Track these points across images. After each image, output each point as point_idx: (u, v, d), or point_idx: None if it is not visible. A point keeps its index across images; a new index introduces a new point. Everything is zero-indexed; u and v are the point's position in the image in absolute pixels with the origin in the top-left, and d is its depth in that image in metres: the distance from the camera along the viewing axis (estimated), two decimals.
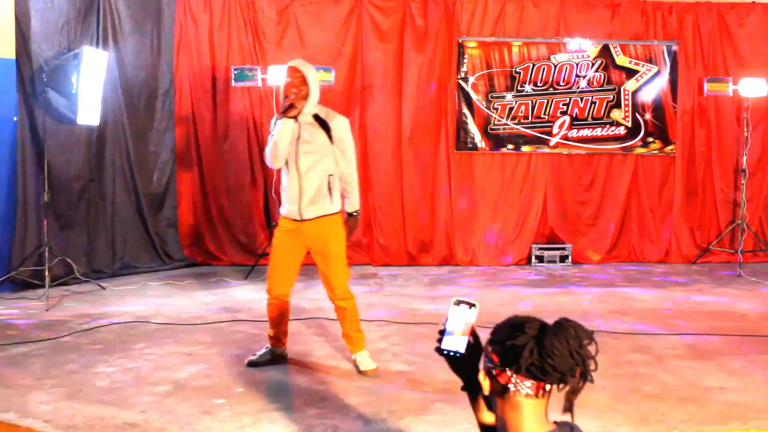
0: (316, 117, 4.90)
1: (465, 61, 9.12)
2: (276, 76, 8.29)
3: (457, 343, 2.34)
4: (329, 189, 4.94)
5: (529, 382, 2.04)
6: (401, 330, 6.11)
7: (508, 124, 9.15)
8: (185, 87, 9.15)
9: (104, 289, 7.64)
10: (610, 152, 9.41)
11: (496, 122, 9.17)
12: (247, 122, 9.22)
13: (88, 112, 7.51)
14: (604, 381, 4.74)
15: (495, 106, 9.15)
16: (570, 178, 9.46)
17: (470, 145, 9.19)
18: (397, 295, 7.55)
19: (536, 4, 9.22)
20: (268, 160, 4.98)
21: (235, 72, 8.60)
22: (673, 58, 9.31)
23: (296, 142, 4.86)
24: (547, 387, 2.05)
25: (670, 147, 9.39)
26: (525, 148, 9.27)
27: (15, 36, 7.51)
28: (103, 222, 8.38)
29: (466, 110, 9.14)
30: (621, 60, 9.27)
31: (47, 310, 6.73)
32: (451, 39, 9.10)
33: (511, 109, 9.17)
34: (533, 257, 9.22)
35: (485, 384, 2.15)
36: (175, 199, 9.19)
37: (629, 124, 9.31)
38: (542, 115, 9.21)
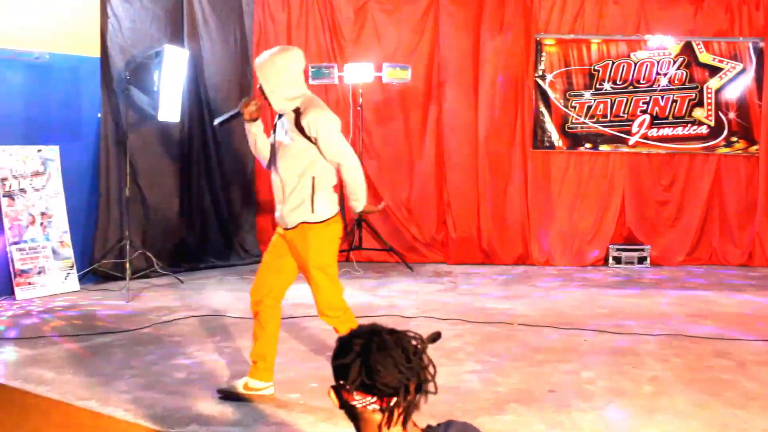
0: (296, 111, 4.27)
1: (542, 58, 9.01)
2: (353, 73, 8.35)
3: None
4: (312, 192, 4.29)
5: (371, 398, 1.97)
6: (475, 329, 6.07)
7: (586, 123, 9.02)
8: None
9: (182, 282, 7.78)
10: (691, 152, 9.18)
11: (573, 121, 9.04)
12: None
13: (169, 109, 7.67)
14: (682, 386, 4.64)
15: (573, 104, 9.02)
16: (649, 178, 9.26)
17: (547, 144, 9.09)
18: (471, 293, 7.51)
19: (616, 1, 9.05)
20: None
21: (312, 70, 8.68)
22: (759, 55, 9.04)
23: (274, 140, 4.41)
24: (394, 400, 1.96)
25: (755, 147, 9.11)
26: (603, 147, 9.12)
27: (100, 35, 7.73)
28: (183, 216, 8.53)
29: (543, 108, 9.04)
30: (704, 57, 9.04)
31: (128, 302, 6.89)
32: (529, 36, 9.00)
33: (589, 107, 9.03)
34: (610, 258, 9.07)
35: (334, 401, 2.08)
36: (255, 196, 9.33)
37: (712, 123, 9.08)
38: (621, 114, 9.05)
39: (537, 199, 9.12)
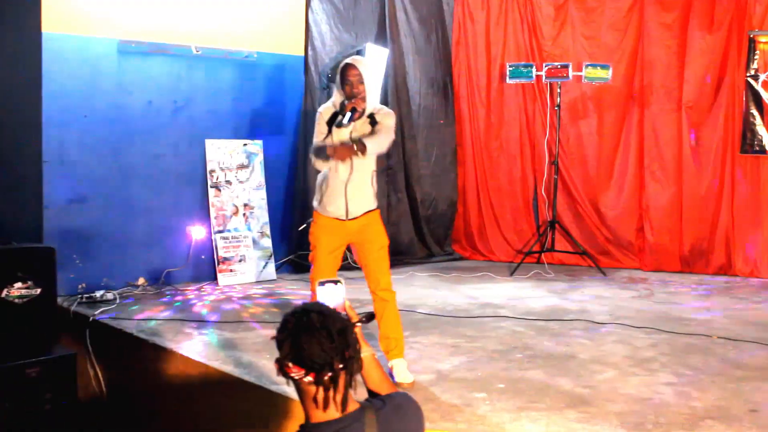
0: (371, 117, 4.66)
1: (756, 57, 8.49)
2: (552, 72, 8.26)
3: None
4: (372, 186, 4.75)
5: (304, 372, 2.22)
6: (671, 339, 5.81)
7: None
8: (462, 84, 9.35)
9: None
10: None
11: None
12: (519, 120, 9.24)
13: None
14: None
15: None
16: None
17: (757, 148, 8.54)
18: (668, 302, 7.20)
19: None
20: (313, 163, 4.81)
21: (510, 69, 8.64)
22: None
23: (350, 134, 4.63)
24: (327, 375, 2.22)
25: None
26: None
27: (304, 35, 8.05)
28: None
29: (754, 110, 8.50)
30: None
31: None
32: (741, 33, 8.50)
33: None
34: None
35: (277, 372, 2.30)
36: (451, 194, 9.40)
37: None
38: None
39: (744, 207, 8.60)
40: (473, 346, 5.52)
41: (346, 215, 4.69)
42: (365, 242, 4.78)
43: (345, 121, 4.51)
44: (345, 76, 4.55)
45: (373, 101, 4.64)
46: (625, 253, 8.97)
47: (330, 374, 2.23)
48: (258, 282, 7.55)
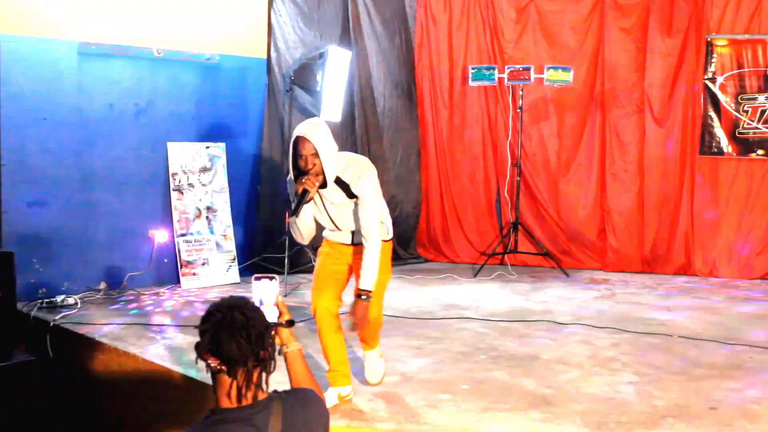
0: (338, 181, 4.18)
1: (713, 60, 8.62)
2: (513, 75, 8.32)
3: (269, 313, 2.71)
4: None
5: (220, 363, 2.35)
6: (632, 339, 5.88)
7: (759, 128, 8.55)
8: (425, 86, 9.37)
9: None
10: None
11: (745, 126, 8.60)
12: (482, 122, 9.28)
13: (331, 109, 7.85)
14: None
15: (745, 108, 8.58)
16: None
17: (715, 150, 8.67)
18: (629, 302, 7.28)
19: None
20: (295, 237, 4.38)
21: (473, 71, 8.67)
22: None
23: (324, 210, 4.32)
24: (241, 370, 2.35)
25: None
26: None
27: (267, 38, 8.03)
28: None
29: (712, 113, 8.63)
30: None
31: (285, 296, 7.09)
32: (699, 37, 8.62)
33: (763, 111, 8.55)
34: None
35: (196, 358, 2.41)
36: (416, 196, 9.41)
37: None
38: None
39: (703, 208, 8.72)
40: (437, 348, 5.54)
41: (352, 241, 4.41)
42: (354, 269, 4.47)
43: (297, 208, 4.10)
44: (297, 149, 4.09)
45: (333, 166, 4.13)
46: (587, 254, 9.06)
47: (243, 369, 2.36)
48: (221, 285, 7.51)
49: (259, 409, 2.40)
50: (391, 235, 4.50)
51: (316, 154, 4.04)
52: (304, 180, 4.07)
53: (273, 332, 2.52)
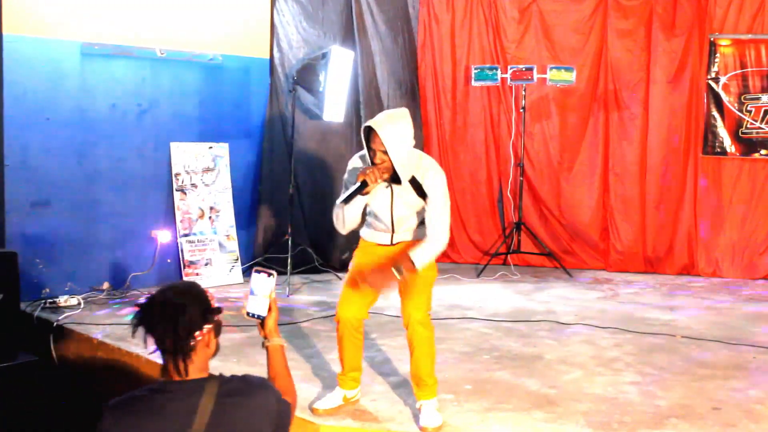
0: (413, 181, 4.01)
1: (716, 60, 8.61)
2: (516, 75, 8.31)
3: (260, 306, 2.85)
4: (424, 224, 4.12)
5: (153, 340, 2.51)
6: (635, 339, 5.88)
7: (762, 128, 8.53)
8: (428, 86, 9.36)
9: (341, 279, 7.93)
10: None
11: (748, 126, 8.58)
12: (484, 122, 9.27)
13: (334, 109, 7.85)
14: None
15: (748, 108, 8.57)
16: None
17: (718, 150, 8.66)
18: (632, 302, 7.28)
19: None
20: (335, 223, 4.20)
21: (476, 71, 8.67)
22: None
23: (390, 205, 4.09)
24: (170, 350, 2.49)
25: None
26: None
27: (269, 38, 8.03)
28: None
29: (715, 112, 8.62)
30: None
31: (288, 296, 7.10)
32: (702, 37, 8.62)
33: (766, 111, 8.53)
34: None
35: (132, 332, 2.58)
36: None
37: None
38: None
39: (706, 208, 8.71)
40: (440, 348, 5.50)
41: (391, 242, 4.21)
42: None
43: (350, 196, 3.95)
44: (368, 141, 3.94)
45: (405, 165, 3.93)
46: (590, 254, 9.05)
47: (172, 347, 2.49)
48: (224, 285, 7.51)
49: (192, 385, 2.48)
50: None
51: (385, 152, 3.87)
52: (367, 171, 3.91)
53: (215, 319, 2.60)
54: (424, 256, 4.01)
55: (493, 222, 9.33)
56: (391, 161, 3.88)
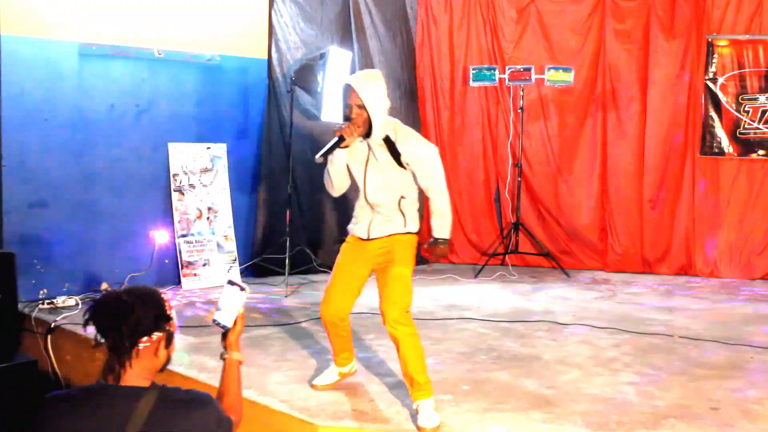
0: (387, 140, 4.17)
1: (714, 60, 8.62)
2: (514, 75, 8.31)
3: (227, 317, 2.91)
4: (401, 212, 4.30)
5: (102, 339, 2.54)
6: (633, 339, 5.88)
7: (760, 128, 8.54)
8: (426, 86, 9.36)
9: None
10: None
11: (746, 126, 8.59)
12: (482, 122, 9.27)
13: (332, 110, 7.84)
14: None
15: (746, 108, 8.58)
16: None
17: (716, 150, 8.67)
18: (630, 303, 7.28)
19: None
20: (326, 185, 4.40)
21: (474, 71, 8.68)
22: None
23: (365, 163, 4.26)
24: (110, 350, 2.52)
25: None
26: None
27: (267, 38, 8.03)
28: (339, 215, 8.69)
29: (713, 113, 8.63)
30: None
31: (286, 297, 7.09)
32: (700, 38, 8.62)
33: (764, 112, 8.55)
34: None
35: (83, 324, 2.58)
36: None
37: None
38: None
39: (704, 208, 8.72)
40: (438, 348, 5.53)
41: (368, 235, 4.32)
42: (383, 268, 4.30)
43: (327, 151, 4.15)
44: (344, 97, 4.15)
45: (381, 121, 4.13)
46: (588, 254, 9.05)
47: (114, 349, 2.52)
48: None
49: (129, 393, 2.47)
50: (418, 227, 4.40)
51: (362, 106, 4.08)
52: (344, 126, 4.11)
53: (167, 328, 2.63)
54: (441, 221, 4.33)
55: (491, 222, 9.33)
56: (367, 114, 4.08)
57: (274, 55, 8.06)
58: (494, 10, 9.14)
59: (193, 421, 2.49)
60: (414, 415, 4.12)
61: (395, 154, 4.20)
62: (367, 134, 4.18)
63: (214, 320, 2.92)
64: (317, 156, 4.20)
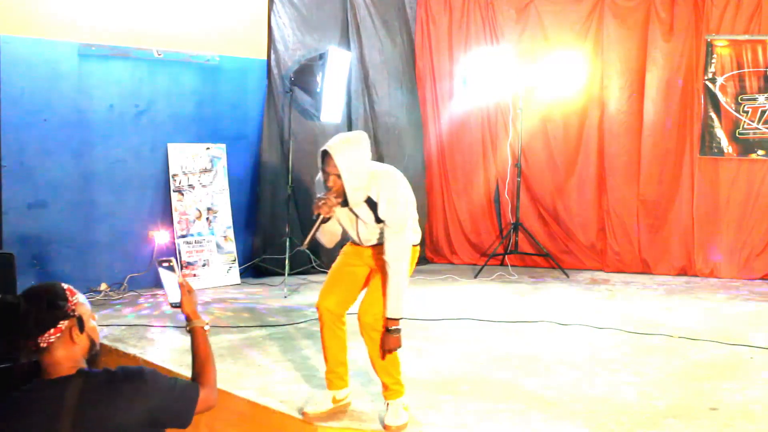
0: (368, 201, 3.99)
1: (713, 61, 8.62)
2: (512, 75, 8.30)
3: (175, 294, 2.88)
4: None
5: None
6: (632, 340, 5.88)
7: (759, 129, 8.54)
8: (426, 87, 9.36)
9: None
10: None
11: (745, 126, 8.59)
12: (480, 124, 9.26)
13: (331, 111, 7.84)
14: None
15: (745, 108, 8.58)
16: None
17: (716, 150, 8.67)
18: (630, 303, 7.28)
19: None
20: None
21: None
22: None
23: (355, 223, 4.12)
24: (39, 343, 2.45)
25: None
26: None
27: (267, 39, 8.03)
28: None
29: (712, 113, 8.63)
30: None
31: (286, 297, 7.09)
32: (699, 38, 8.62)
33: (763, 112, 8.55)
34: None
35: None
36: (422, 199, 9.36)
37: None
38: None
39: (703, 208, 8.72)
40: (438, 349, 5.53)
41: (360, 243, 4.21)
42: (375, 271, 4.20)
43: (312, 235, 4.03)
44: (322, 164, 3.94)
45: (358, 189, 3.92)
46: (587, 254, 9.05)
47: (24, 349, 2.47)
48: (222, 287, 7.51)
49: (55, 384, 2.44)
50: (419, 238, 4.25)
51: (339, 176, 3.85)
52: (319, 204, 3.91)
53: (73, 314, 2.53)
54: (392, 302, 4.02)
55: (491, 223, 9.33)
56: (342, 186, 3.88)
57: (273, 56, 8.06)
58: (493, 11, 9.14)
59: (128, 395, 2.43)
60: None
61: (377, 214, 4.01)
62: (346, 201, 3.98)
63: (170, 304, 2.90)
64: (304, 243, 4.07)
